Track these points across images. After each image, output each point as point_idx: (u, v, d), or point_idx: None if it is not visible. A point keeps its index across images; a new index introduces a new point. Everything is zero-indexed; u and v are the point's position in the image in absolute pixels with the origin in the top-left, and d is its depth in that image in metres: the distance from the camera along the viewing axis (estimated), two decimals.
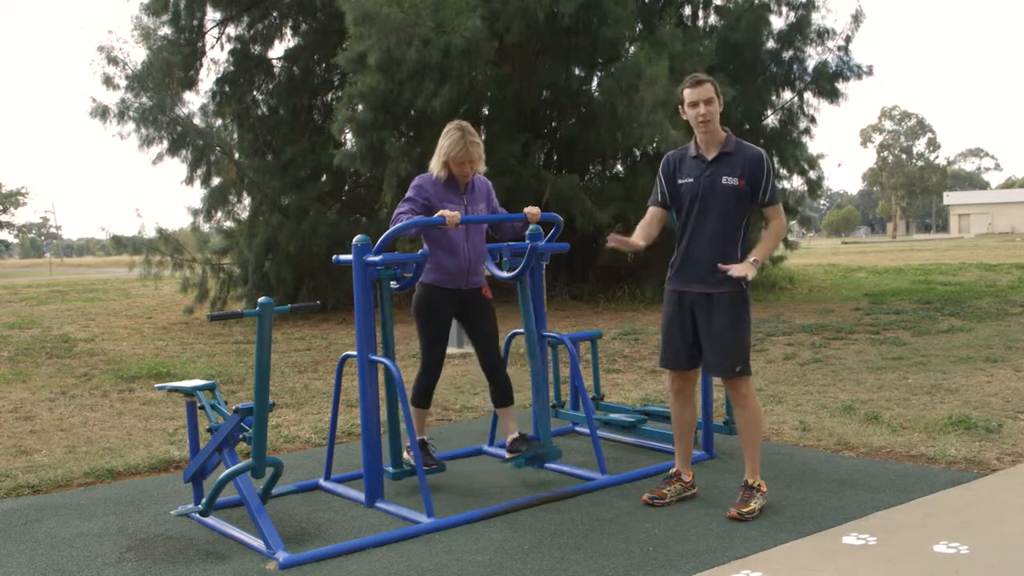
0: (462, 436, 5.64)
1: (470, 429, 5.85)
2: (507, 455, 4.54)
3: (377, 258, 4.09)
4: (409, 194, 4.44)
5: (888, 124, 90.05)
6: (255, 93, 16.78)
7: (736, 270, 3.92)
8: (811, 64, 16.25)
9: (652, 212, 4.22)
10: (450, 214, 4.18)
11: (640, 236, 4.16)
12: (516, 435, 4.54)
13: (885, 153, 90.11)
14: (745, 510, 3.87)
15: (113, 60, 14.98)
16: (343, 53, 13.18)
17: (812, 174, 17.06)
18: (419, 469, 4.07)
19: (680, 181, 4.13)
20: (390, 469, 4.40)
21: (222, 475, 3.73)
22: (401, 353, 8.89)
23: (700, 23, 16.40)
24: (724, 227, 4.00)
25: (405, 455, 4.51)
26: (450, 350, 9.14)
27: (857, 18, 16.19)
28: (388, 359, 4.20)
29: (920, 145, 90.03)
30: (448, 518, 3.92)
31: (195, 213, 15.88)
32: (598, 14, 13.36)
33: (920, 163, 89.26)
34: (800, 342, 9.40)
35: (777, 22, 16.00)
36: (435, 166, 4.49)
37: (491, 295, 4.67)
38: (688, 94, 4.02)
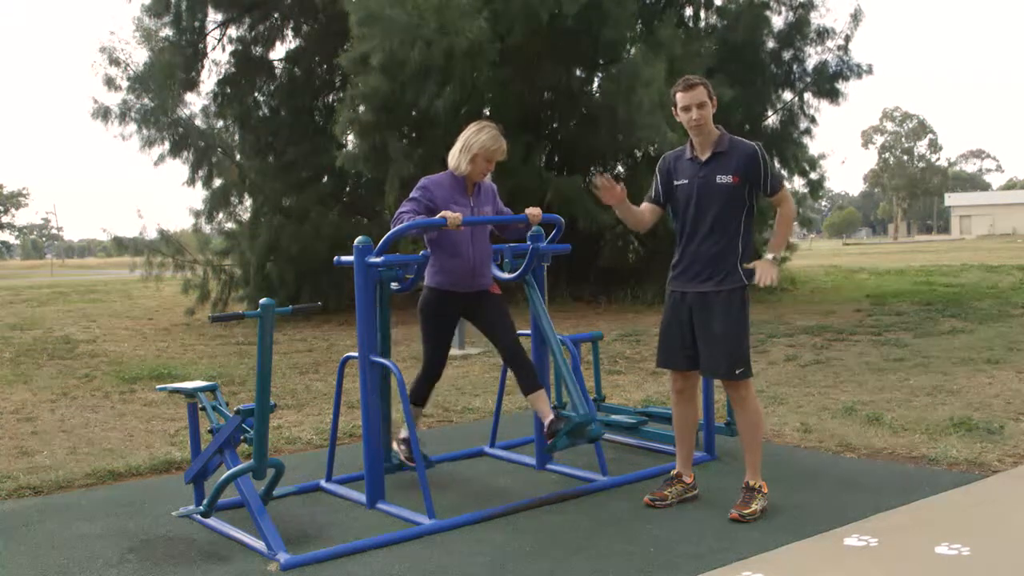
0: (463, 437, 5.64)
1: (471, 430, 5.85)
2: (547, 440, 4.32)
3: (378, 259, 4.09)
4: (413, 195, 4.38)
5: (889, 125, 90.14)
6: (256, 94, 16.77)
7: (760, 275, 3.93)
8: (811, 64, 16.20)
9: (645, 206, 4.26)
10: (451, 215, 4.14)
11: (635, 211, 4.21)
12: (552, 417, 4.31)
13: (886, 154, 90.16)
14: (746, 511, 3.87)
15: (115, 61, 15.02)
16: (345, 54, 13.18)
17: (813, 175, 17.02)
18: (420, 468, 4.07)
19: (676, 183, 4.13)
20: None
21: (223, 476, 3.73)
22: (403, 354, 8.89)
23: (701, 24, 16.38)
24: (722, 227, 3.99)
25: (394, 447, 4.54)
26: (452, 351, 9.13)
27: (856, 17, 16.15)
28: (387, 360, 4.19)
29: (921, 146, 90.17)
30: (449, 519, 3.93)
31: (196, 214, 15.90)
32: (599, 15, 13.36)
33: (921, 164, 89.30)
34: (801, 343, 9.40)
35: (777, 22, 15.98)
36: (460, 160, 4.39)
37: (500, 291, 4.65)
38: (680, 98, 4.00)
